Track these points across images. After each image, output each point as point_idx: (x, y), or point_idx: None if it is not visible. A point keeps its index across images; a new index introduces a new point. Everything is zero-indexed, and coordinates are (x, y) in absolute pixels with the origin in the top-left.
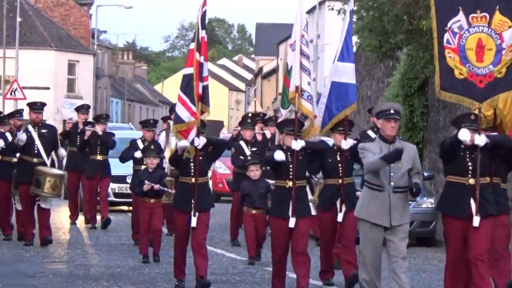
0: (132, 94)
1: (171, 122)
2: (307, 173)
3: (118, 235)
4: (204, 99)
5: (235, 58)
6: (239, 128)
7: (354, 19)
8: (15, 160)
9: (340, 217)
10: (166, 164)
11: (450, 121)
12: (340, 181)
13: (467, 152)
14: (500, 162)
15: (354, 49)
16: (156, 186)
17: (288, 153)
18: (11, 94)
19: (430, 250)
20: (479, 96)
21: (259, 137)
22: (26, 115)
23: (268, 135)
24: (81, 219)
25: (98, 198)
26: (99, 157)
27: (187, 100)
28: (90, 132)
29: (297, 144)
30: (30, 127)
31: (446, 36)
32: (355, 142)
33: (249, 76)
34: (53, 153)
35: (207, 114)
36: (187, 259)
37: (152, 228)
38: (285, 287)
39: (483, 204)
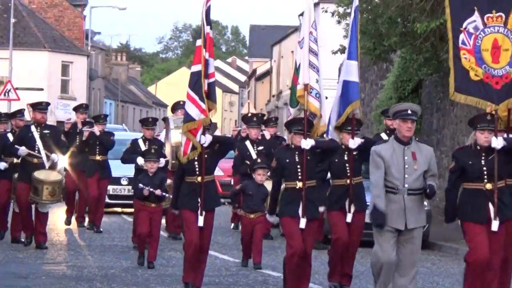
0: (126, 95)
1: (171, 119)
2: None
3: (112, 236)
4: (210, 96)
5: (229, 60)
6: (238, 128)
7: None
8: (16, 160)
9: (349, 218)
10: (168, 158)
11: (443, 123)
12: (348, 181)
13: (483, 155)
14: None
15: None
16: (157, 192)
17: (297, 153)
18: (4, 95)
19: (424, 252)
20: (495, 98)
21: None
22: (26, 115)
23: (268, 136)
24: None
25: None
26: (98, 158)
27: (197, 98)
28: (88, 132)
29: (307, 143)
30: (32, 127)
31: (462, 37)
32: (362, 140)
33: (242, 78)
34: (55, 153)
35: (214, 111)
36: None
37: (150, 235)
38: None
39: (501, 208)
